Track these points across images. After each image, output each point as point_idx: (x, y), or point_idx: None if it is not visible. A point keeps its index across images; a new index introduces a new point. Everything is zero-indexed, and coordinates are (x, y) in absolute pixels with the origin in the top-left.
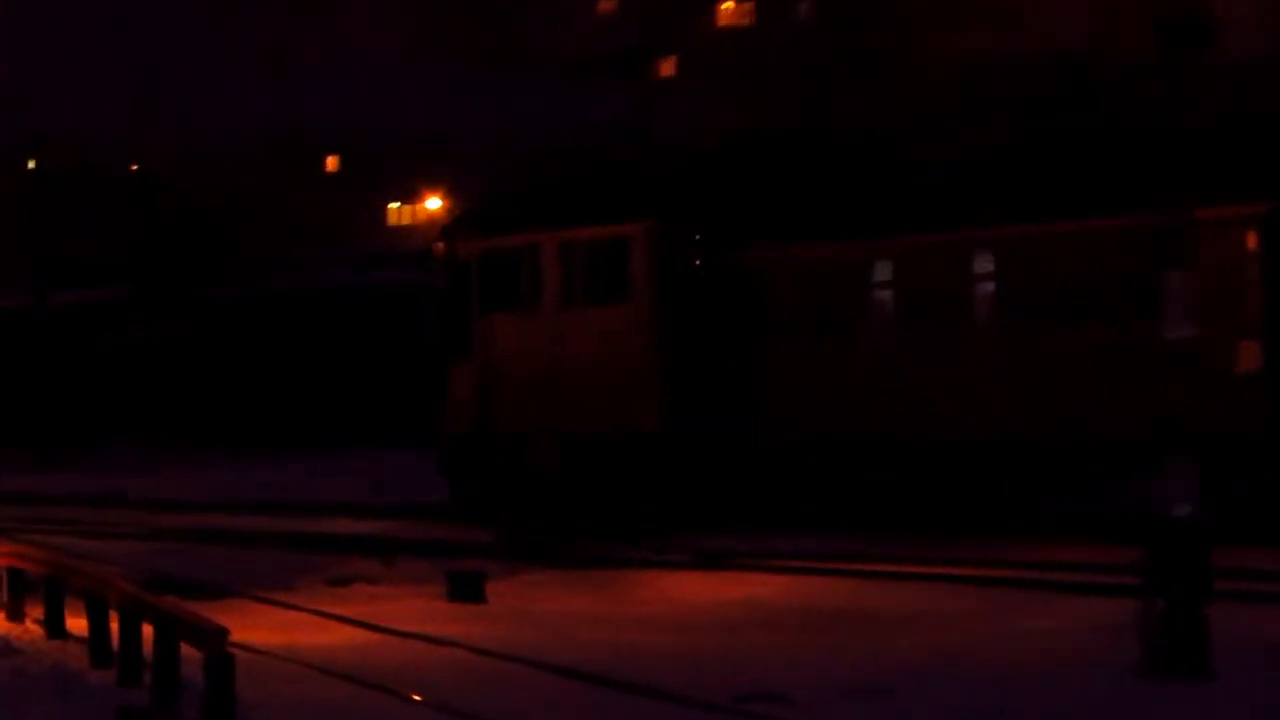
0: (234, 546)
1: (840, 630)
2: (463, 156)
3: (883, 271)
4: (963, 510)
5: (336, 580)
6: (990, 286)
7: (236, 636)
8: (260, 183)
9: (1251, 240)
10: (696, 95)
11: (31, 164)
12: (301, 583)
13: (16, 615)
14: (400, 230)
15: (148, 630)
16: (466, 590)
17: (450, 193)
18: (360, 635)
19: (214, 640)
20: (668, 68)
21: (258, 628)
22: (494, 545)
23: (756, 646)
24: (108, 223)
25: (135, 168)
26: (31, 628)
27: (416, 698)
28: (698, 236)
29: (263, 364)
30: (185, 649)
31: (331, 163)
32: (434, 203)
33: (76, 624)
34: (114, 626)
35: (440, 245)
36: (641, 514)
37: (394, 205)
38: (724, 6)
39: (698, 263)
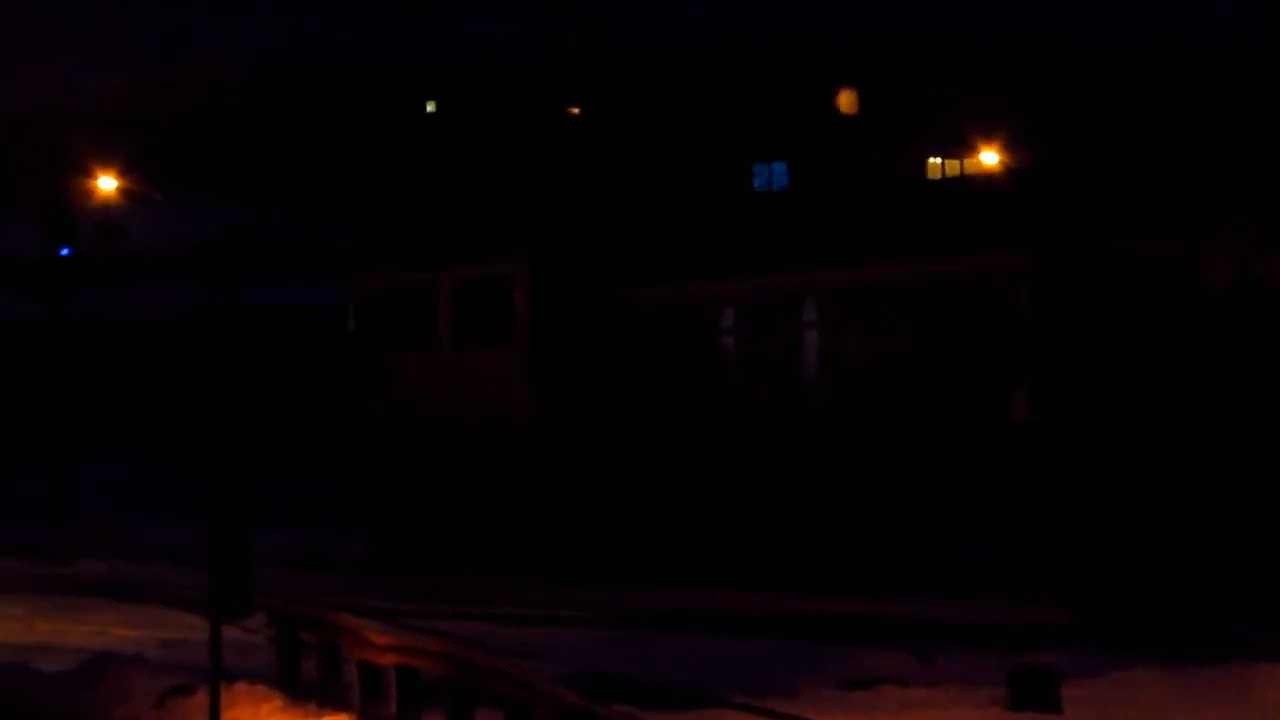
0: (702, 633)
1: None
2: None
3: None
4: None
5: (851, 681)
6: None
7: None
8: None
9: None
10: None
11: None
12: (803, 684)
13: None
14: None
15: None
16: (1032, 695)
17: None
18: None
19: None
20: None
21: None
22: (1070, 629)
23: None
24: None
25: None
26: None
27: None
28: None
29: None
30: None
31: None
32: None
33: None
34: None
35: (348, 282)
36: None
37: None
38: None
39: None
